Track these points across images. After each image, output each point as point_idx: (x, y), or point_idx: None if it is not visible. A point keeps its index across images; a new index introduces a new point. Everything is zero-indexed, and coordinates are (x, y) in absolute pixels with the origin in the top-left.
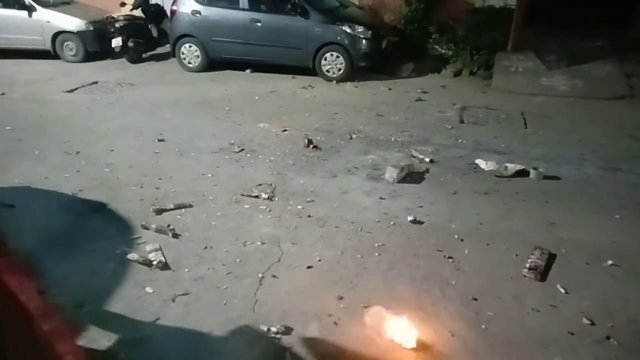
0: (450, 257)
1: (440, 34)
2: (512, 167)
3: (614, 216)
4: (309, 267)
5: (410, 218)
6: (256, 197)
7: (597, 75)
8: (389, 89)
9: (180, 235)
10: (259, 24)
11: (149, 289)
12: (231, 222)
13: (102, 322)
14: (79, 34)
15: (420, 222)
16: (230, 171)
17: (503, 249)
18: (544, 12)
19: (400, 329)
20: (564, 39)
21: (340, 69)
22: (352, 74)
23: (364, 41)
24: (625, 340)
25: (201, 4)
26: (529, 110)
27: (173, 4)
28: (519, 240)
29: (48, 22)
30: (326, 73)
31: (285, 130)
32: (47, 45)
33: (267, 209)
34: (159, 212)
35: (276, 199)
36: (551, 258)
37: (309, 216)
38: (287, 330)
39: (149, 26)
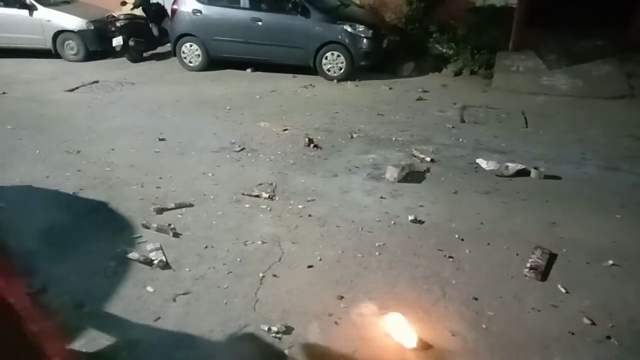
0: (451, 257)
1: (441, 33)
2: (513, 167)
3: (615, 216)
4: (310, 267)
5: (410, 217)
6: (257, 196)
7: (598, 75)
8: (390, 88)
9: (181, 234)
10: (259, 23)
11: (149, 288)
12: (232, 221)
13: (101, 322)
14: (80, 33)
15: (420, 222)
16: (230, 170)
17: (504, 249)
18: (544, 12)
19: (401, 329)
20: (564, 39)
21: (341, 68)
22: (353, 73)
23: (364, 40)
24: (625, 340)
25: (202, 3)
26: (530, 110)
27: (174, 3)
28: (519, 240)
29: (49, 21)
30: (327, 72)
31: (285, 130)
32: (48, 45)
33: (268, 208)
34: (160, 211)
35: (277, 198)
36: (552, 258)
37: (310, 215)
38: (288, 330)
39: (150, 25)
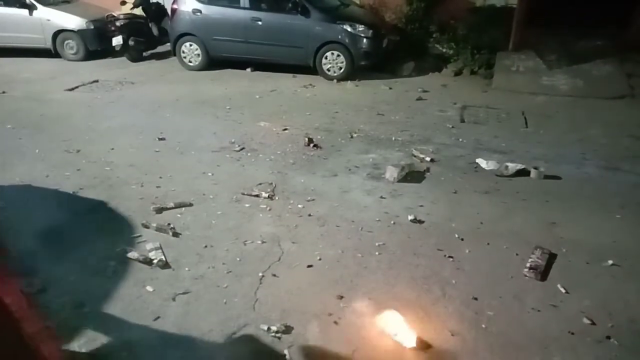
0: (451, 257)
1: (441, 33)
2: (513, 167)
3: (615, 216)
4: (309, 266)
5: (410, 217)
6: (256, 196)
7: (598, 75)
8: (390, 88)
9: (180, 234)
10: (259, 23)
11: (149, 288)
12: (231, 221)
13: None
14: (80, 33)
15: (420, 222)
16: (230, 170)
17: (503, 249)
18: (544, 12)
19: (400, 328)
20: (564, 39)
21: (340, 68)
22: (353, 72)
23: (364, 40)
24: (625, 340)
25: (202, 2)
26: (530, 110)
27: (174, 2)
28: (519, 240)
29: (49, 20)
30: (327, 72)
31: (285, 129)
32: (48, 44)
33: (268, 208)
34: (160, 210)
35: (276, 198)
36: (551, 258)
37: (310, 215)
38: (287, 330)
39: (150, 25)
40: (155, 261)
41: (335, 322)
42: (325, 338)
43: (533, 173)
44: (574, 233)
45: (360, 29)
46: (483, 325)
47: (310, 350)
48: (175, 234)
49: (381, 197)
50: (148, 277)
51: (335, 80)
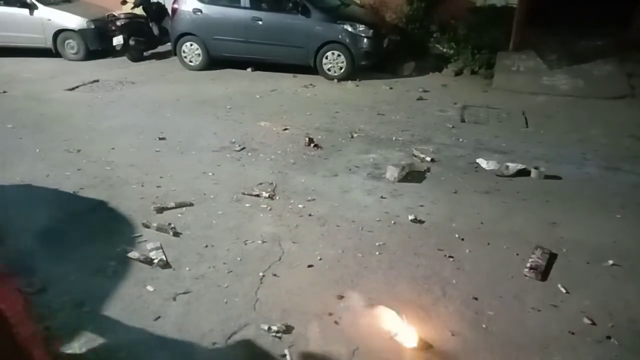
0: (451, 257)
1: (442, 32)
2: (513, 167)
3: (615, 216)
4: (310, 266)
5: (411, 217)
6: (257, 195)
7: (598, 75)
8: (390, 88)
9: (181, 233)
10: (260, 23)
11: (149, 288)
12: (232, 220)
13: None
14: (80, 32)
15: (421, 221)
16: (231, 170)
17: (504, 249)
18: (545, 12)
19: (401, 328)
20: (565, 39)
21: (341, 68)
22: (353, 72)
23: (365, 40)
24: (625, 340)
25: (202, 2)
26: (530, 110)
27: (174, 2)
28: (519, 240)
29: (49, 20)
30: (327, 72)
31: (286, 129)
32: (49, 44)
33: (268, 208)
34: (160, 210)
35: (277, 198)
36: (552, 258)
37: (310, 215)
38: (288, 329)
39: (150, 24)
40: (155, 261)
41: (336, 322)
42: (325, 338)
43: (533, 173)
44: (575, 233)
45: (360, 29)
46: (483, 325)
47: (311, 349)
48: (176, 234)
49: (382, 197)
50: (149, 277)
51: (335, 80)
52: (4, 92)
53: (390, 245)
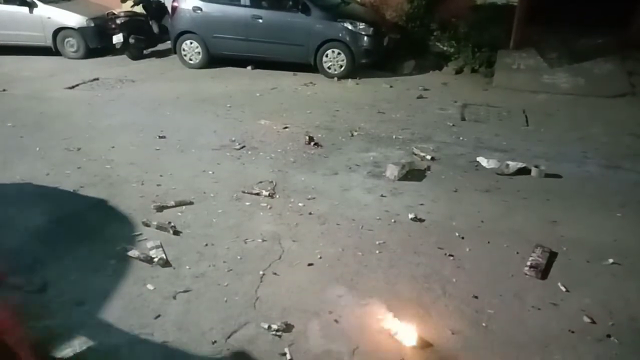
0: (451, 255)
1: (442, 31)
2: (514, 165)
3: (615, 214)
4: (310, 265)
5: (411, 216)
6: (257, 194)
7: (599, 73)
8: (390, 86)
9: (181, 232)
10: (260, 21)
11: (149, 286)
12: (232, 219)
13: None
14: (80, 31)
15: (421, 220)
16: (231, 168)
17: (504, 247)
18: (545, 10)
19: (401, 327)
20: (565, 37)
21: (341, 66)
22: (354, 71)
23: (365, 38)
24: (625, 338)
25: (202, 0)
26: (531, 108)
27: (174, 0)
28: (520, 238)
29: (49, 18)
30: (327, 70)
31: (286, 128)
32: (48, 42)
33: (268, 206)
34: (160, 209)
35: (277, 196)
36: (552, 256)
37: (310, 213)
38: (288, 328)
39: (150, 22)
40: (155, 259)
41: (336, 321)
42: (325, 336)
43: (534, 171)
44: (575, 231)
45: (361, 27)
46: (483, 324)
47: (311, 348)
48: (176, 232)
49: (382, 196)
50: (148, 276)
51: (335, 79)
52: (4, 90)
53: (391, 244)
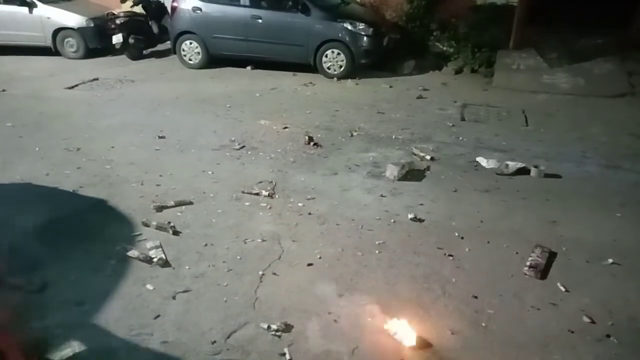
0: (451, 255)
1: (442, 31)
2: (513, 165)
3: (615, 214)
4: (310, 265)
5: (410, 216)
6: (257, 194)
7: (599, 73)
8: (390, 87)
9: (180, 232)
10: (259, 21)
11: (149, 286)
12: (232, 219)
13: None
14: (80, 31)
15: (420, 220)
16: (230, 168)
17: (503, 247)
18: (545, 10)
19: (401, 327)
20: (565, 37)
21: (341, 66)
22: (353, 71)
23: (365, 38)
24: (625, 338)
25: (202, 0)
26: (530, 108)
27: (174, 0)
28: (519, 238)
29: (49, 18)
30: (327, 70)
31: (285, 128)
32: (48, 42)
33: (268, 207)
34: (160, 209)
35: (277, 197)
36: (551, 256)
37: (310, 214)
38: (287, 328)
39: (150, 23)
40: (155, 259)
41: (335, 321)
42: (325, 336)
43: (533, 171)
44: (574, 231)
45: (360, 27)
46: (483, 324)
47: (311, 348)
48: (176, 233)
49: (381, 196)
50: (148, 276)
51: (335, 79)
52: (4, 90)
53: (390, 244)
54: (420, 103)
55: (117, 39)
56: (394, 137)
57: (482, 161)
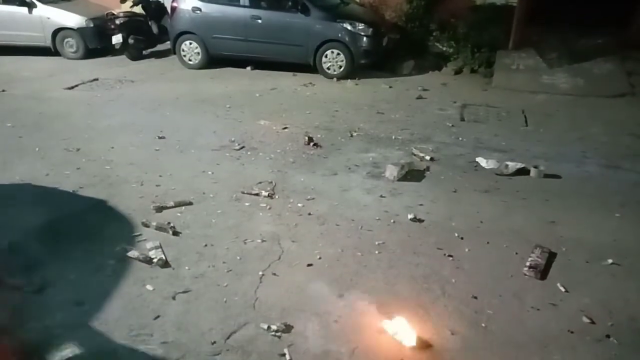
0: (451, 256)
1: (441, 31)
2: (513, 165)
3: (615, 214)
4: (309, 265)
5: (410, 216)
6: (256, 194)
7: (598, 73)
8: (390, 87)
9: (180, 232)
10: (259, 21)
11: (149, 287)
12: (231, 219)
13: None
14: (80, 31)
15: (420, 220)
16: (230, 169)
17: (503, 247)
18: (545, 10)
19: (400, 327)
20: (565, 37)
21: (340, 67)
22: (353, 71)
23: (364, 38)
24: (625, 338)
25: (202, 0)
26: (530, 108)
27: (173, 0)
28: (519, 239)
29: (48, 18)
30: (327, 70)
31: (285, 128)
32: (48, 42)
33: (268, 207)
34: (159, 209)
35: (276, 197)
36: (551, 256)
37: (309, 214)
38: (287, 328)
39: (150, 23)
40: (155, 260)
41: (335, 321)
42: (325, 337)
43: (533, 172)
44: (574, 232)
45: (360, 28)
46: (483, 324)
47: (310, 349)
48: (175, 233)
49: (381, 196)
50: (148, 276)
51: (335, 79)
52: (3, 90)
53: (390, 244)
54: (420, 103)
55: (116, 39)
56: (393, 137)
57: (482, 161)
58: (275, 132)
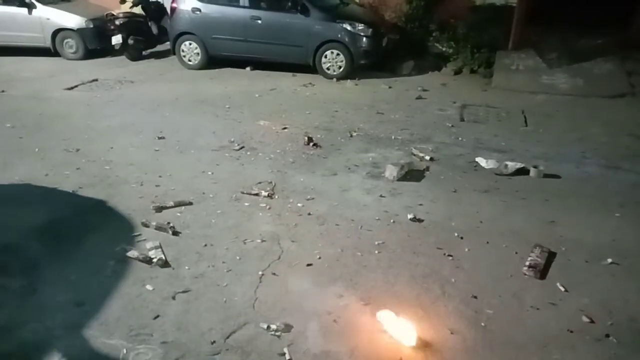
0: (450, 255)
1: (441, 31)
2: (512, 166)
3: (614, 214)
4: (309, 265)
5: (410, 216)
6: (256, 194)
7: (598, 74)
8: (390, 87)
9: (180, 232)
10: (259, 22)
11: (149, 287)
12: (231, 219)
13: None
14: (79, 32)
15: (420, 220)
16: (230, 169)
17: (503, 247)
18: (544, 11)
19: (400, 327)
20: (564, 37)
21: (340, 67)
22: (353, 71)
23: (364, 39)
24: (624, 338)
25: (201, 1)
26: (530, 109)
27: (173, 1)
28: (518, 239)
29: (48, 19)
30: (326, 71)
31: (285, 128)
32: (47, 43)
33: (267, 207)
34: (159, 209)
35: (276, 197)
36: (551, 256)
37: (309, 214)
38: (287, 328)
39: (149, 23)
40: (155, 260)
41: (335, 321)
42: (324, 337)
43: (533, 172)
44: (574, 232)
45: (360, 28)
46: (482, 324)
47: (310, 348)
48: (175, 233)
49: (381, 196)
50: (148, 276)
51: (334, 79)
52: (3, 91)
53: (390, 244)
54: (420, 103)
55: (116, 39)
56: (393, 137)
57: (482, 161)
58: (275, 132)
